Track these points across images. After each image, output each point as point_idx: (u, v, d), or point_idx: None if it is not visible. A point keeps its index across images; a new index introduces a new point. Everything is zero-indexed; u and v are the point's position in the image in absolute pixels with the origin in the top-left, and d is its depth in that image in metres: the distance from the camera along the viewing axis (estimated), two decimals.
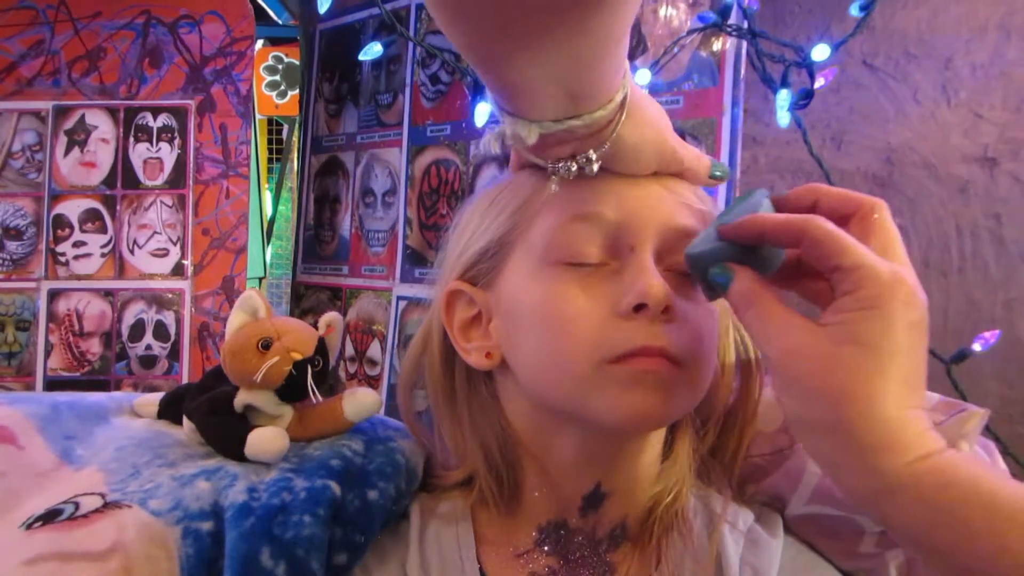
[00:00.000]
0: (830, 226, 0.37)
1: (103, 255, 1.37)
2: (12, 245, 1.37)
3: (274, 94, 2.87)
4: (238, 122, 1.39)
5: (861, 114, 1.14)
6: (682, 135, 0.51)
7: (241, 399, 0.53)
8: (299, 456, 0.51)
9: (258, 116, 2.61)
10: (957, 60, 1.08)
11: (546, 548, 0.50)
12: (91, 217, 1.38)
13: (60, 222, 1.37)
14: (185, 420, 0.55)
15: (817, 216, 0.38)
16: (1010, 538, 0.31)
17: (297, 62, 1.98)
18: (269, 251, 2.30)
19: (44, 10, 1.39)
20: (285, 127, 3.18)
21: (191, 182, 1.38)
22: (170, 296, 1.37)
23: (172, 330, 1.36)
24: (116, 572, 0.41)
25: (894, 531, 0.36)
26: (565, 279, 0.45)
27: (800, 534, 0.51)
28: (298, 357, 0.52)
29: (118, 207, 1.38)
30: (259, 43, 2.64)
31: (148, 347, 1.36)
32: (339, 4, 1.37)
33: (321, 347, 0.55)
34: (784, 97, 0.94)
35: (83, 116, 1.39)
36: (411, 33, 1.26)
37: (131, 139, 1.39)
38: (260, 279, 1.97)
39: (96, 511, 0.44)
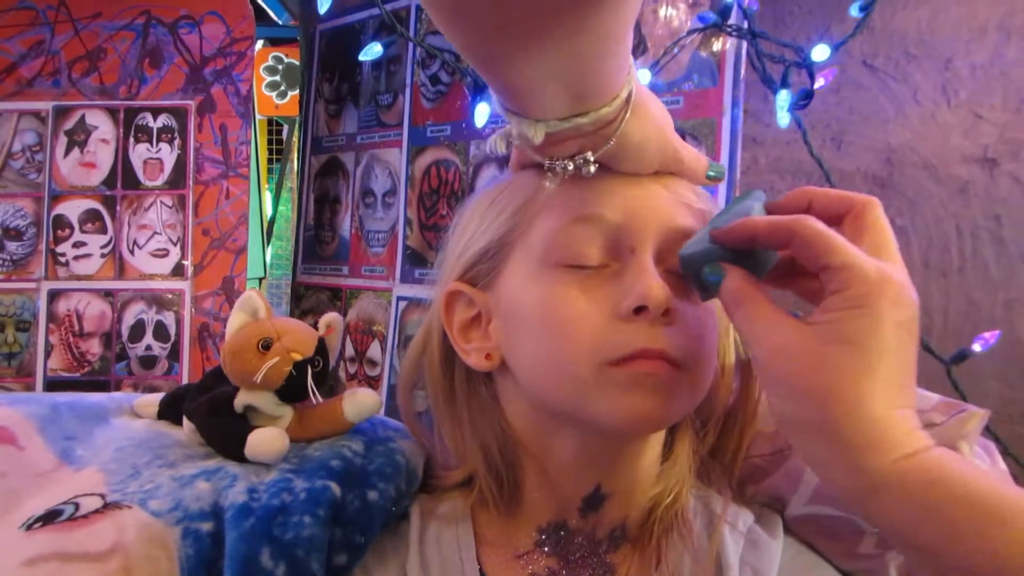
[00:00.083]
0: (819, 226, 0.37)
1: (103, 255, 1.37)
2: (12, 245, 1.37)
3: (274, 94, 2.86)
4: (238, 122, 1.39)
5: (861, 114, 1.14)
6: (682, 135, 0.51)
7: (241, 400, 0.53)
8: (299, 457, 0.51)
9: (258, 116, 2.60)
10: (957, 60, 1.08)
11: (546, 549, 0.50)
12: (91, 217, 1.38)
13: (60, 222, 1.37)
14: (185, 421, 0.55)
15: (807, 216, 0.38)
16: (994, 537, 0.31)
17: (297, 62, 1.97)
18: (269, 251, 2.29)
19: (44, 11, 1.39)
20: (285, 127, 3.18)
21: (191, 182, 1.38)
22: (170, 296, 1.37)
23: (172, 331, 1.36)
24: (116, 572, 0.41)
25: (882, 529, 0.36)
26: (565, 281, 0.45)
27: (800, 535, 0.51)
28: (298, 358, 0.52)
29: (118, 207, 1.38)
30: (259, 43, 2.64)
31: (148, 347, 1.36)
32: (339, 4, 1.37)
33: (321, 348, 0.55)
34: (784, 97, 0.94)
35: (83, 116, 1.39)
36: (411, 33, 1.26)
37: (131, 139, 1.38)
38: (260, 279, 1.97)
39: (96, 512, 0.44)
